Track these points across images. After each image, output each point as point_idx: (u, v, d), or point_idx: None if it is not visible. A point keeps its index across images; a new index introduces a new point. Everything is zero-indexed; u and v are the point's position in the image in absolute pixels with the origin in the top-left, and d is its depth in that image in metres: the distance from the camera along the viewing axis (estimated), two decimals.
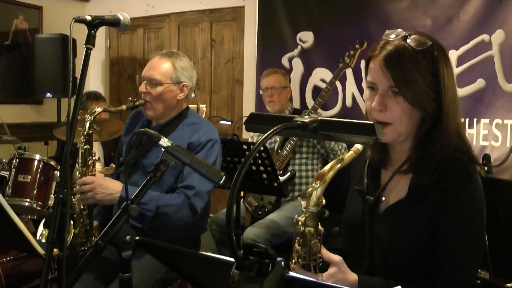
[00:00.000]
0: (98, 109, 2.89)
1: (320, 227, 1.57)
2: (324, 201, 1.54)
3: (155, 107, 2.87)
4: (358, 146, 1.62)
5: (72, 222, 2.83)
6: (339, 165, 1.55)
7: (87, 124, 2.84)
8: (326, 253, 1.61)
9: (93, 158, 2.89)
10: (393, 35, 1.66)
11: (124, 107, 2.91)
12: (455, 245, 1.61)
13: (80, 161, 2.84)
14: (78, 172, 2.83)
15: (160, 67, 2.88)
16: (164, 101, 2.87)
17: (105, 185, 2.67)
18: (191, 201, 2.70)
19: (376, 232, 1.73)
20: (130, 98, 2.92)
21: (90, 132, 2.87)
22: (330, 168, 1.54)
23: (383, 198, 1.76)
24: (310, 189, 1.53)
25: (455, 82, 1.70)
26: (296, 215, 1.59)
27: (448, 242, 1.61)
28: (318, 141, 4.20)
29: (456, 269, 1.61)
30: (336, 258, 1.61)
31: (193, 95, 4.71)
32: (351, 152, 1.61)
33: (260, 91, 4.58)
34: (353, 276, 1.63)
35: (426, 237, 1.63)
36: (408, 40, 1.62)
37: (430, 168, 1.64)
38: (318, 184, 1.52)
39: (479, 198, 1.64)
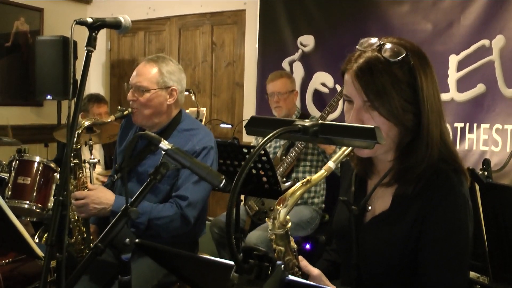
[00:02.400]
0: (86, 123, 2.87)
1: (293, 243, 1.55)
2: (290, 224, 1.52)
3: (144, 113, 2.83)
4: (331, 165, 1.57)
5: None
6: (306, 186, 1.52)
7: (74, 139, 2.81)
8: (305, 266, 1.60)
9: (85, 172, 2.89)
10: (368, 42, 1.60)
11: (112, 117, 2.88)
12: (437, 258, 1.57)
13: (71, 176, 2.83)
14: (71, 185, 2.82)
15: (146, 73, 2.83)
16: (153, 107, 2.82)
17: (98, 199, 2.67)
18: (183, 211, 2.69)
19: (361, 242, 1.71)
20: (119, 107, 2.89)
21: (78, 147, 2.86)
22: (293, 192, 1.51)
23: (370, 207, 1.74)
24: (273, 213, 1.51)
25: (438, 90, 1.63)
26: (269, 233, 1.57)
27: (430, 255, 1.58)
28: (322, 150, 4.19)
29: (437, 282, 1.57)
30: (314, 272, 1.59)
31: (193, 98, 4.76)
32: (322, 171, 1.57)
33: (266, 95, 4.51)
34: None
35: (408, 249, 1.60)
36: (382, 51, 1.55)
37: (412, 180, 1.60)
38: (281, 207, 1.50)
39: (462, 210, 1.58)
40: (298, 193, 1.51)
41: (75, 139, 2.81)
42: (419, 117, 1.57)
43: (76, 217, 2.87)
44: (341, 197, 1.81)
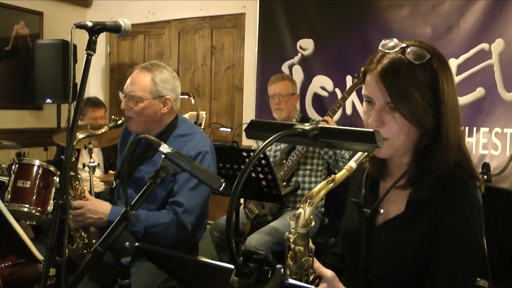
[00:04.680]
0: (81, 136, 2.88)
1: (311, 244, 1.55)
2: (313, 223, 1.52)
3: (139, 122, 2.84)
4: (352, 164, 1.57)
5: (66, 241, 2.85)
6: (330, 185, 1.53)
7: (73, 144, 2.81)
8: (318, 267, 1.58)
9: (82, 184, 2.90)
10: (391, 43, 1.62)
11: (106, 128, 2.90)
12: (450, 262, 1.57)
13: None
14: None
15: (140, 82, 2.82)
16: (147, 116, 2.82)
17: (94, 209, 2.68)
18: (180, 218, 2.70)
19: (372, 246, 1.71)
20: (113, 117, 2.90)
21: (73, 160, 2.87)
22: (319, 190, 1.51)
23: (382, 211, 1.74)
24: (299, 210, 1.51)
25: (456, 93, 1.65)
26: (287, 232, 1.57)
27: (443, 259, 1.58)
28: (324, 152, 4.19)
29: (452, 282, 1.57)
30: (328, 273, 1.57)
31: (193, 101, 4.76)
32: (344, 171, 1.57)
33: (266, 96, 4.53)
34: None
35: (421, 253, 1.60)
36: (406, 54, 1.57)
37: (428, 183, 1.61)
38: (307, 206, 1.50)
39: (476, 215, 1.59)
40: (323, 192, 1.52)
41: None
42: (438, 121, 1.59)
43: (75, 225, 2.88)
44: (352, 199, 1.80)
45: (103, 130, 2.91)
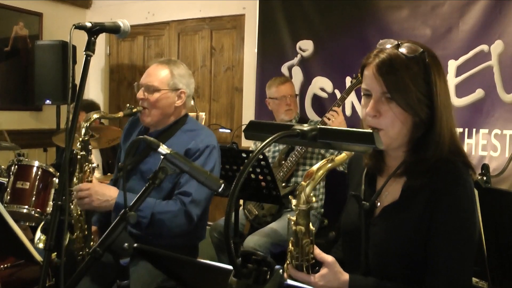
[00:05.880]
0: (95, 116, 2.87)
1: (311, 226, 1.59)
2: (314, 199, 1.57)
3: (153, 113, 2.88)
4: None
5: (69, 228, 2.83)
6: (329, 165, 1.58)
7: (83, 130, 2.79)
8: (319, 253, 1.64)
9: (90, 165, 2.88)
10: (387, 45, 1.70)
11: (121, 114, 2.90)
12: (449, 245, 1.62)
13: (77, 167, 2.83)
14: (75, 178, 2.81)
15: (158, 74, 2.90)
16: (161, 108, 2.88)
17: (101, 191, 2.66)
18: (187, 208, 2.69)
19: (371, 235, 1.75)
20: (128, 105, 2.92)
21: (86, 138, 2.85)
22: (319, 167, 1.56)
23: (379, 204, 1.79)
24: (300, 187, 1.55)
25: (448, 89, 1.74)
26: (289, 215, 1.60)
27: (441, 242, 1.62)
28: (323, 154, 4.20)
29: (450, 270, 1.62)
30: (329, 258, 1.64)
31: (192, 102, 4.75)
32: (343, 154, 1.64)
33: (269, 100, 4.50)
34: (345, 277, 1.66)
35: (419, 238, 1.65)
36: (401, 48, 1.66)
37: (422, 172, 1.67)
38: (307, 182, 1.54)
39: (470, 198, 1.65)
40: (322, 170, 1.57)
41: (84, 131, 2.79)
42: (432, 111, 1.66)
43: (79, 212, 2.85)
44: (352, 192, 1.87)
45: (119, 115, 2.91)
